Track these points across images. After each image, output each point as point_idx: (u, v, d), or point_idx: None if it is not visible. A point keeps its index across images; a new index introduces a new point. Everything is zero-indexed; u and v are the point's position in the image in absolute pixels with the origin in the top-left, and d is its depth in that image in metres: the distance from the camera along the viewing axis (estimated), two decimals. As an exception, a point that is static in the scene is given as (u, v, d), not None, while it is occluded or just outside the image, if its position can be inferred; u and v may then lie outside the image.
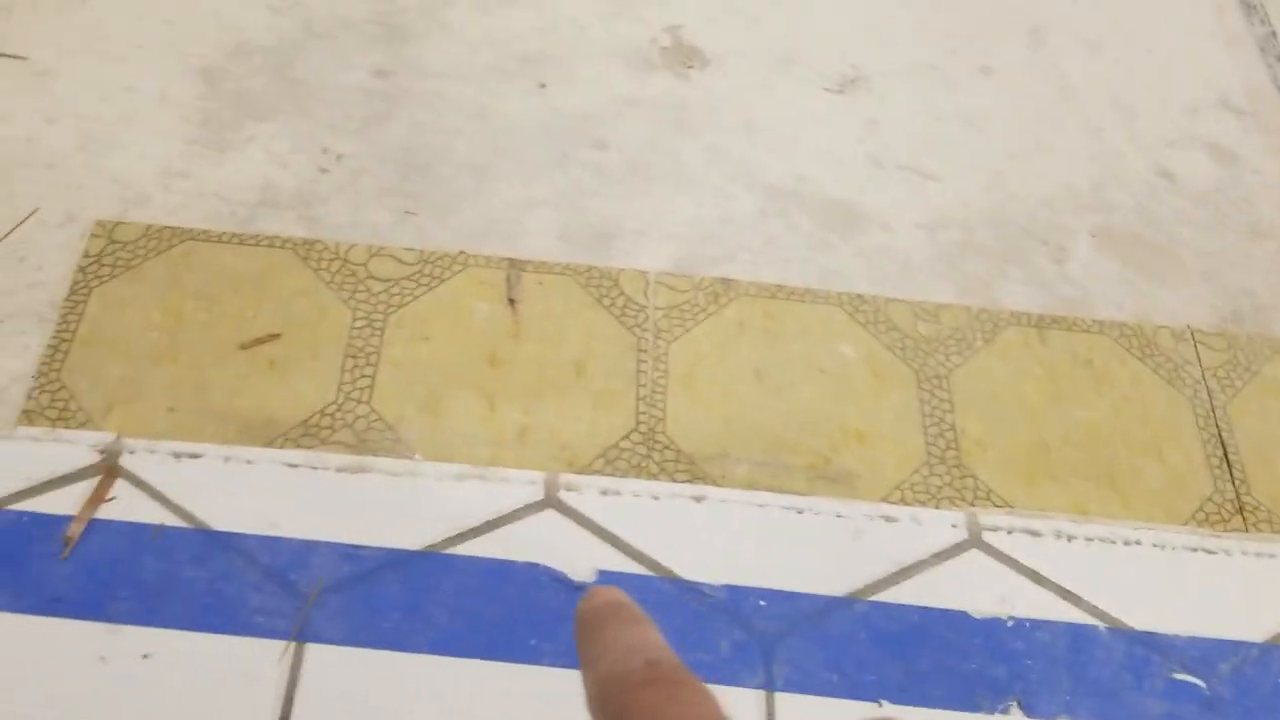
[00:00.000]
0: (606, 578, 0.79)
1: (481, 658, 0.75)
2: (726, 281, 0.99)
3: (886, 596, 0.81)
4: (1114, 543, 0.86)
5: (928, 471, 0.91)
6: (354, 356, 0.91)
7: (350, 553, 0.79)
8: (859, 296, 1.00)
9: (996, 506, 0.89)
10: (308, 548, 0.78)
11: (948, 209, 1.09)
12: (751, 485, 0.87)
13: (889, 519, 0.85)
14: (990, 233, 1.08)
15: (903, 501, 0.88)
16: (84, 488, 0.80)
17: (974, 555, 0.84)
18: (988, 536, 0.85)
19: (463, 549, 0.80)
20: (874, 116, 1.16)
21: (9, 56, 1.09)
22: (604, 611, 0.32)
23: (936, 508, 0.88)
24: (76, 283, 0.93)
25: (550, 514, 0.82)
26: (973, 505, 0.89)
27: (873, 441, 0.92)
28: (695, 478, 0.88)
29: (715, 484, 0.87)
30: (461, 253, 0.99)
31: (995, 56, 1.23)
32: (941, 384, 0.96)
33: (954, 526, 0.85)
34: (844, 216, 1.07)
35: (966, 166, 1.13)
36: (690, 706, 0.28)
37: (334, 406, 0.89)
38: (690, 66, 1.18)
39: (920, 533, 0.84)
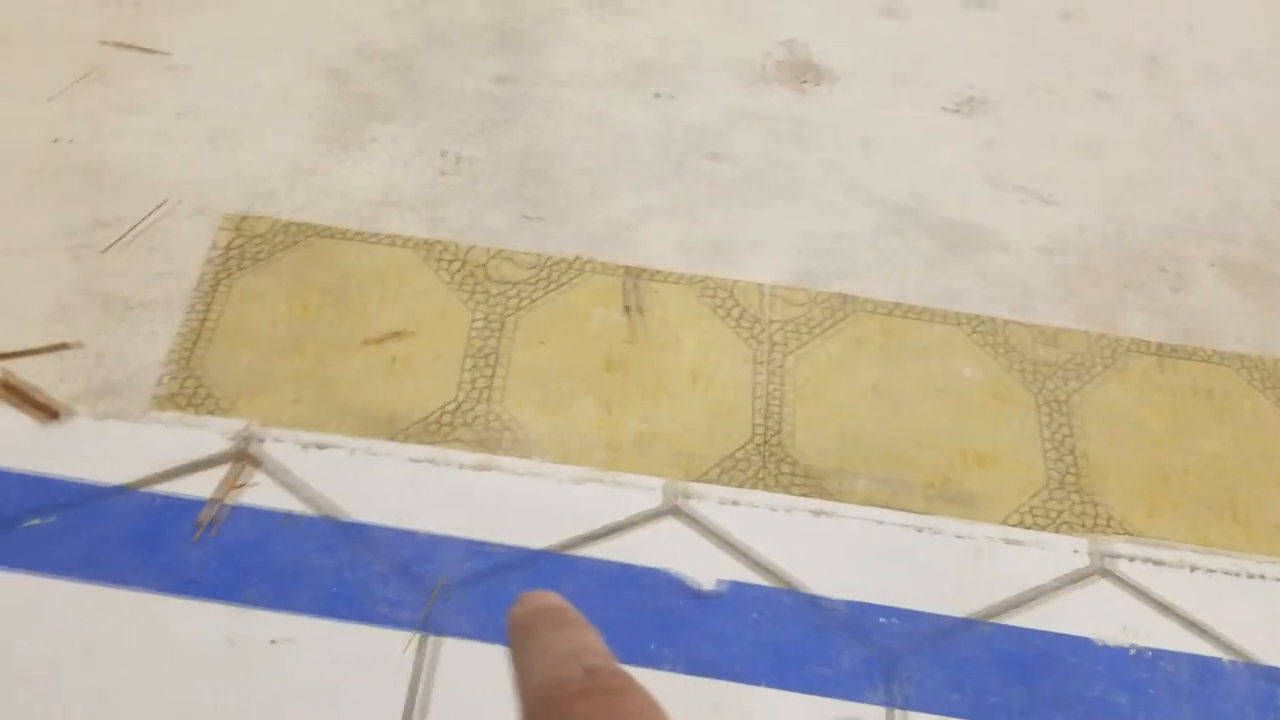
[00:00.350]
0: (727, 587, 0.79)
1: (603, 660, 0.75)
2: (844, 297, 0.99)
3: (1009, 620, 0.80)
4: (1238, 575, 0.85)
5: (1048, 496, 0.90)
6: (474, 357, 0.92)
7: (475, 549, 0.79)
8: (978, 317, 0.99)
9: (1118, 534, 0.88)
10: (433, 542, 0.79)
11: (1065, 233, 1.08)
12: (870, 502, 0.87)
13: (1011, 542, 0.84)
14: (1108, 258, 1.07)
15: (1023, 525, 0.87)
16: (217, 474, 0.81)
17: (1098, 582, 0.83)
18: (1111, 564, 0.84)
19: (585, 551, 0.80)
20: (991, 137, 1.15)
21: (142, 51, 1.12)
22: (537, 616, 0.30)
23: (1058, 533, 0.87)
24: (205, 274, 0.95)
25: (671, 521, 0.82)
26: (1094, 532, 0.88)
27: (992, 463, 0.91)
28: (813, 492, 0.87)
29: (833, 499, 0.87)
30: (579, 258, 1.00)
31: (1112, 82, 1.21)
32: (1061, 408, 0.94)
33: (1076, 552, 0.84)
34: (962, 236, 1.06)
35: (1083, 191, 1.12)
36: (633, 717, 0.26)
37: (454, 405, 0.90)
38: (805, 81, 1.18)
39: (1043, 557, 0.83)
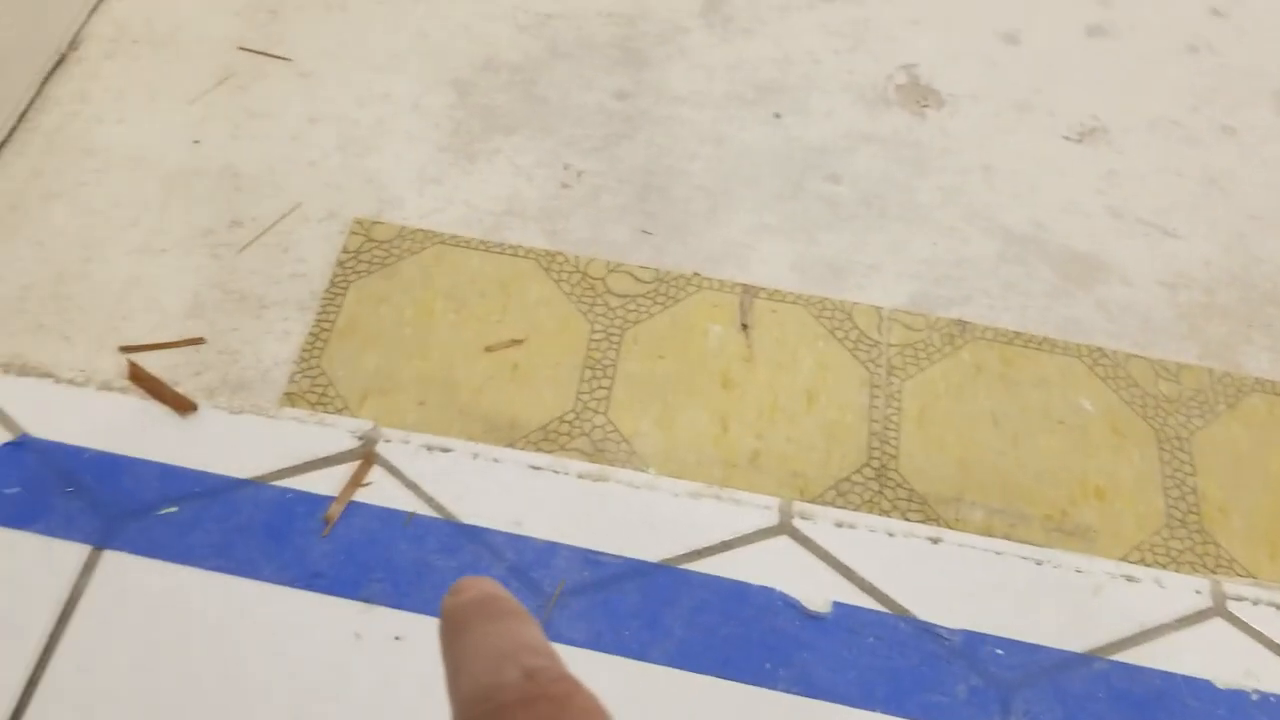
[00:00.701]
0: (840, 610, 0.79)
1: (717, 675, 0.76)
2: (962, 324, 0.98)
3: (1127, 657, 0.79)
4: (1366, 627, 0.82)
5: (1168, 534, 0.88)
6: (592, 368, 0.93)
7: (592, 558, 0.80)
8: (1099, 350, 0.98)
9: (1240, 576, 0.86)
10: (550, 549, 0.80)
11: (1189, 267, 1.06)
12: (987, 531, 0.86)
13: (1130, 579, 0.83)
14: (1233, 295, 1.05)
15: (1142, 562, 0.86)
16: (343, 471, 0.83)
17: (1218, 624, 0.81)
18: (1232, 606, 0.82)
19: (699, 566, 0.80)
20: (1114, 168, 1.13)
21: (276, 57, 1.15)
22: (470, 608, 0.25)
23: (1177, 571, 0.85)
24: (335, 276, 0.97)
25: (785, 540, 0.82)
26: (1215, 573, 0.86)
27: (1111, 498, 0.90)
28: (928, 518, 0.87)
29: (949, 527, 0.86)
30: (696, 274, 1.01)
31: (1238, 117, 1.19)
32: (1183, 446, 0.93)
33: (1198, 593, 0.83)
34: (1084, 267, 1.05)
35: (1207, 225, 1.10)
36: None
37: (572, 414, 0.91)
38: (926, 106, 1.17)
39: (1162, 596, 0.82)
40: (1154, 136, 1.17)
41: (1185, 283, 1.06)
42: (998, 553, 0.83)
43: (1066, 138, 1.16)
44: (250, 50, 1.16)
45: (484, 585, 0.26)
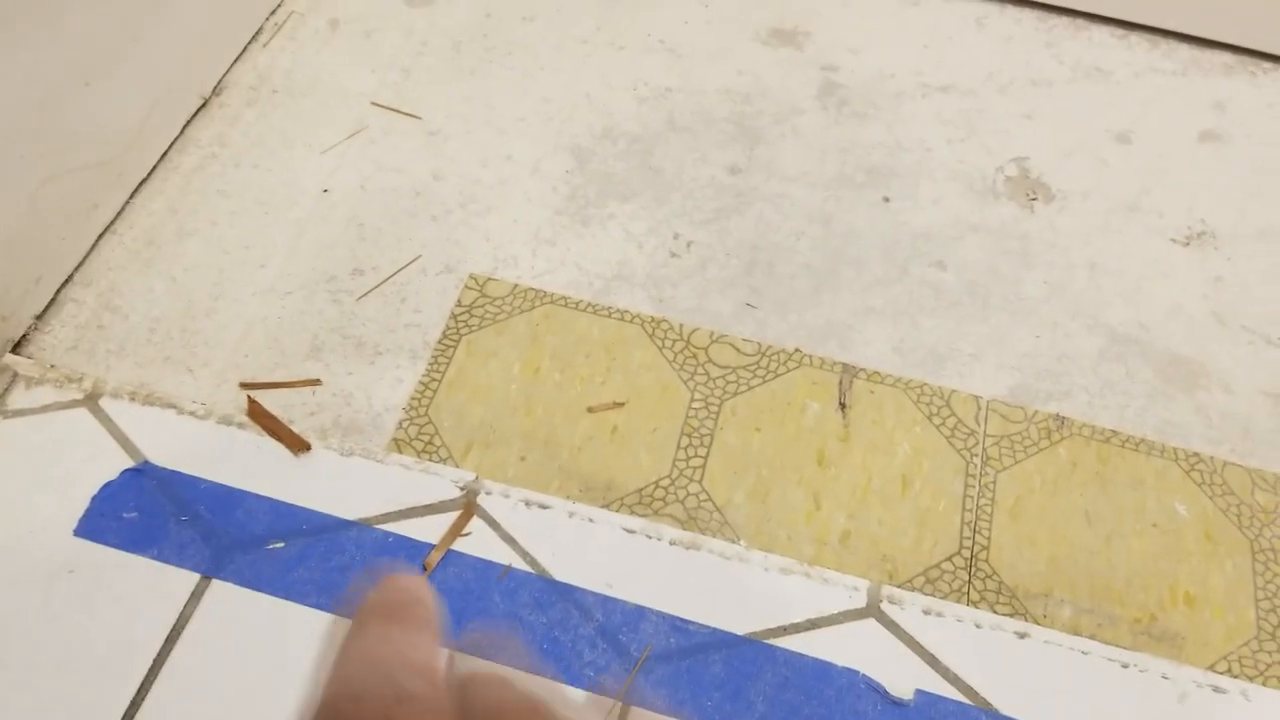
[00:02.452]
0: (923, 698, 0.79)
1: (797, 752, 0.77)
2: (1061, 419, 0.99)
3: (1213, 772, 0.78)
4: None
5: (1257, 646, 0.87)
6: (690, 435, 0.95)
7: (679, 625, 0.82)
8: (1196, 455, 0.98)
9: (1333, 699, 0.85)
10: (639, 613, 0.82)
11: (1294, 379, 1.06)
12: (1075, 630, 0.86)
13: (1217, 689, 0.82)
14: (1339, 410, 1.04)
15: (1229, 673, 0.85)
16: (445, 519, 0.86)
17: (1309, 746, 0.80)
18: (1324, 730, 0.81)
19: (785, 642, 0.81)
20: (1220, 274, 1.13)
21: (406, 114, 1.20)
22: (379, 608, 0.23)
23: (1265, 685, 0.84)
24: (448, 328, 1.01)
25: (871, 624, 0.83)
26: (1307, 693, 0.85)
27: (1202, 605, 0.89)
28: (1016, 612, 0.87)
29: (1037, 622, 0.86)
30: (797, 350, 1.03)
31: (1355, 229, 1.18)
32: (1277, 558, 0.92)
33: (1288, 712, 0.81)
34: (1185, 371, 1.05)
35: (1317, 338, 1.09)
36: None
37: (668, 480, 0.93)
38: (1034, 199, 1.18)
39: (1249, 709, 0.81)
40: (1262, 245, 1.17)
41: (1290, 394, 1.05)
42: (1084, 652, 0.83)
43: (1174, 240, 1.16)
44: (382, 106, 1.21)
45: (408, 588, 0.24)
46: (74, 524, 0.83)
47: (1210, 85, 1.32)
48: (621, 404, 0.96)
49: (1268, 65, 1.34)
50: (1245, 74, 1.33)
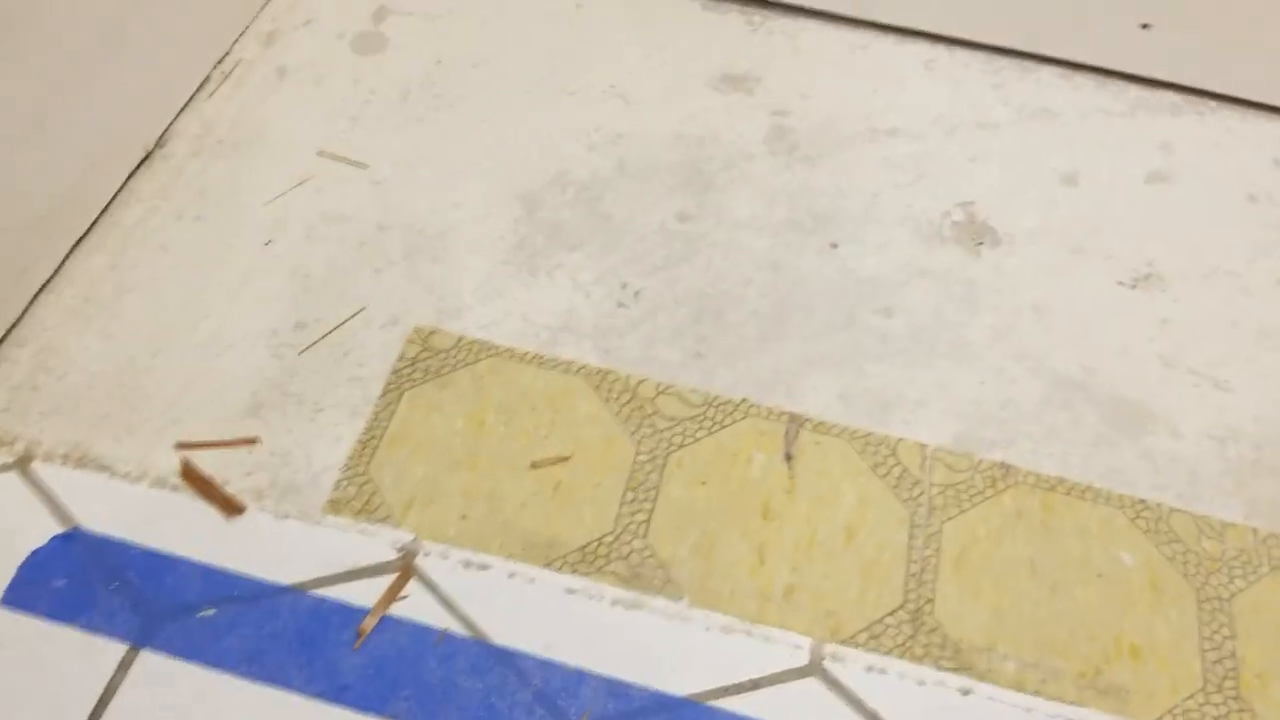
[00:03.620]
0: (865, 757, 0.79)
1: (736, 818, 0.76)
2: (1005, 467, 0.98)
3: (1157, 830, 0.77)
4: None
5: (1203, 699, 0.87)
6: (634, 490, 0.95)
7: (618, 689, 0.81)
8: (1142, 502, 0.98)
9: (1279, 751, 0.84)
10: (579, 676, 0.81)
11: (1239, 423, 1.06)
12: (1019, 686, 0.86)
13: (1163, 746, 0.81)
14: (1284, 453, 1.04)
15: (1176, 728, 0.85)
16: (380, 583, 0.85)
17: (1253, 801, 0.79)
18: (1269, 783, 0.81)
19: (726, 703, 0.81)
20: (1167, 316, 1.14)
21: (353, 164, 1.20)
22: None
23: (1212, 741, 0.84)
24: (390, 383, 1.00)
25: (813, 682, 0.82)
26: (1252, 745, 0.85)
27: (1147, 657, 0.89)
28: (960, 667, 0.87)
29: (980, 678, 0.86)
30: (745, 400, 1.02)
31: (1300, 269, 1.19)
32: (1223, 607, 0.92)
33: (1233, 766, 0.81)
34: (1131, 415, 1.05)
35: (1261, 381, 1.09)
36: None
37: (611, 537, 0.92)
38: (981, 243, 1.19)
39: (1196, 767, 0.81)
40: (1210, 286, 1.17)
41: (1235, 437, 1.05)
42: (1027, 709, 0.83)
43: (1121, 283, 1.17)
44: (329, 155, 1.20)
45: None
46: (1, 593, 0.82)
47: (1157, 125, 1.32)
48: (566, 458, 0.95)
49: (1213, 104, 1.35)
50: (1192, 114, 1.34)
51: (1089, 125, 1.32)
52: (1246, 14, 1.26)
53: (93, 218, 1.10)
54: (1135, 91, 1.36)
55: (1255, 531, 0.97)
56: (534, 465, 0.95)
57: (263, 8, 1.34)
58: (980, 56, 1.38)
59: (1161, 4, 1.28)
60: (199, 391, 0.99)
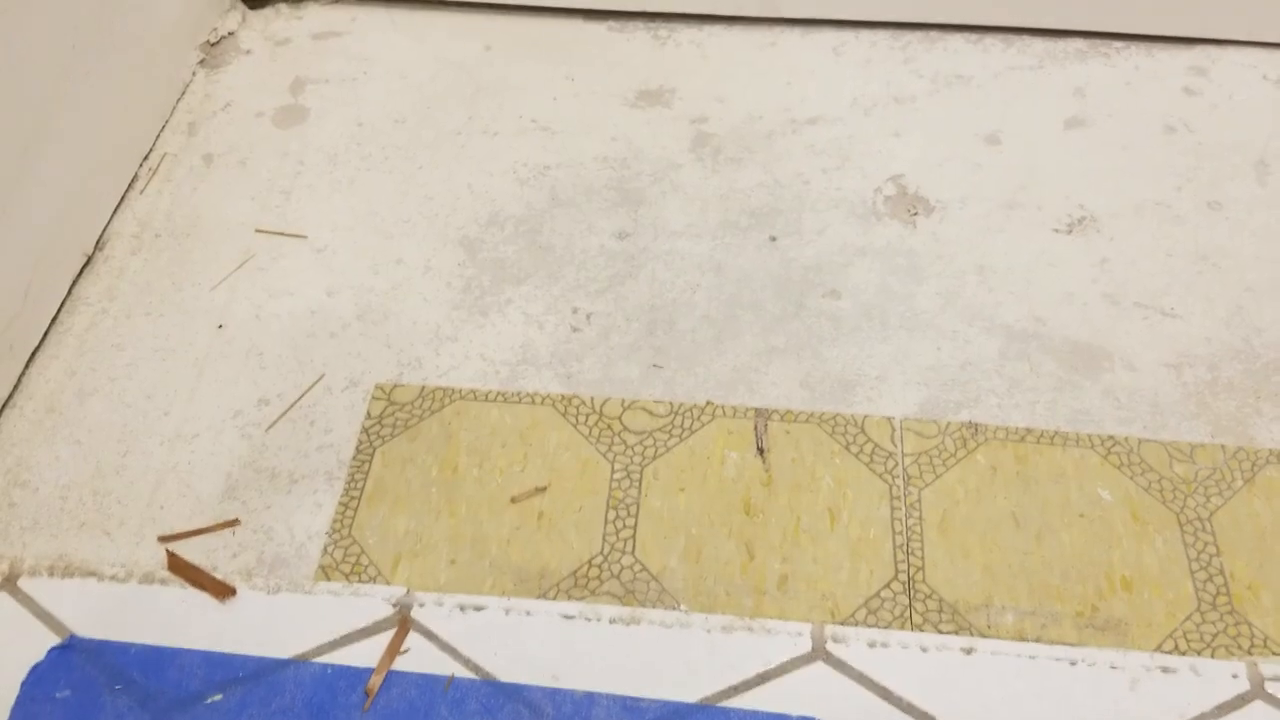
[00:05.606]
0: (881, 730, 0.80)
1: (764, 810, 0.76)
2: (974, 426, 1.00)
3: (1172, 752, 0.79)
4: None
5: (1200, 619, 0.89)
6: (615, 508, 0.96)
7: (630, 704, 0.82)
8: (1111, 438, 1.00)
9: (1275, 654, 0.86)
10: (589, 699, 0.82)
11: (1191, 346, 1.08)
12: (1020, 635, 0.87)
13: (1166, 670, 0.83)
14: (1237, 369, 1.06)
15: (1177, 651, 0.86)
16: (380, 640, 0.85)
17: (1259, 707, 0.81)
18: (1271, 687, 0.82)
19: (737, 702, 0.82)
20: (1105, 255, 1.16)
21: (292, 236, 1.21)
22: None
23: (1213, 657, 0.86)
24: (361, 443, 1.01)
25: (820, 666, 0.83)
26: (1251, 654, 0.87)
27: (1140, 588, 0.90)
28: (960, 628, 0.88)
29: (982, 634, 0.87)
30: (709, 403, 1.04)
31: (1223, 191, 1.22)
32: (1204, 526, 0.94)
33: (1235, 677, 0.83)
34: (1087, 357, 1.07)
35: (1205, 302, 1.12)
36: None
37: (601, 557, 0.93)
38: (915, 214, 1.21)
39: (1200, 684, 0.82)
40: (1142, 220, 1.20)
41: (1189, 361, 1.07)
42: (1031, 657, 0.84)
43: (1056, 230, 1.19)
44: (267, 232, 1.21)
45: None
46: (6, 714, 0.82)
47: (1068, 73, 1.35)
48: (544, 489, 0.97)
49: (1119, 44, 1.38)
50: (1099, 56, 1.37)
51: (1002, 84, 1.35)
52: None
53: (44, 329, 1.11)
54: (1041, 44, 1.39)
55: (1224, 448, 0.99)
56: (514, 500, 0.96)
57: (178, 101, 1.35)
58: (886, 34, 1.41)
59: (1050, -44, 1.31)
60: (172, 484, 1.00)
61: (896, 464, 0.97)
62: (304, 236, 1.21)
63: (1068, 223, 1.19)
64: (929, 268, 1.16)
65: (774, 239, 1.19)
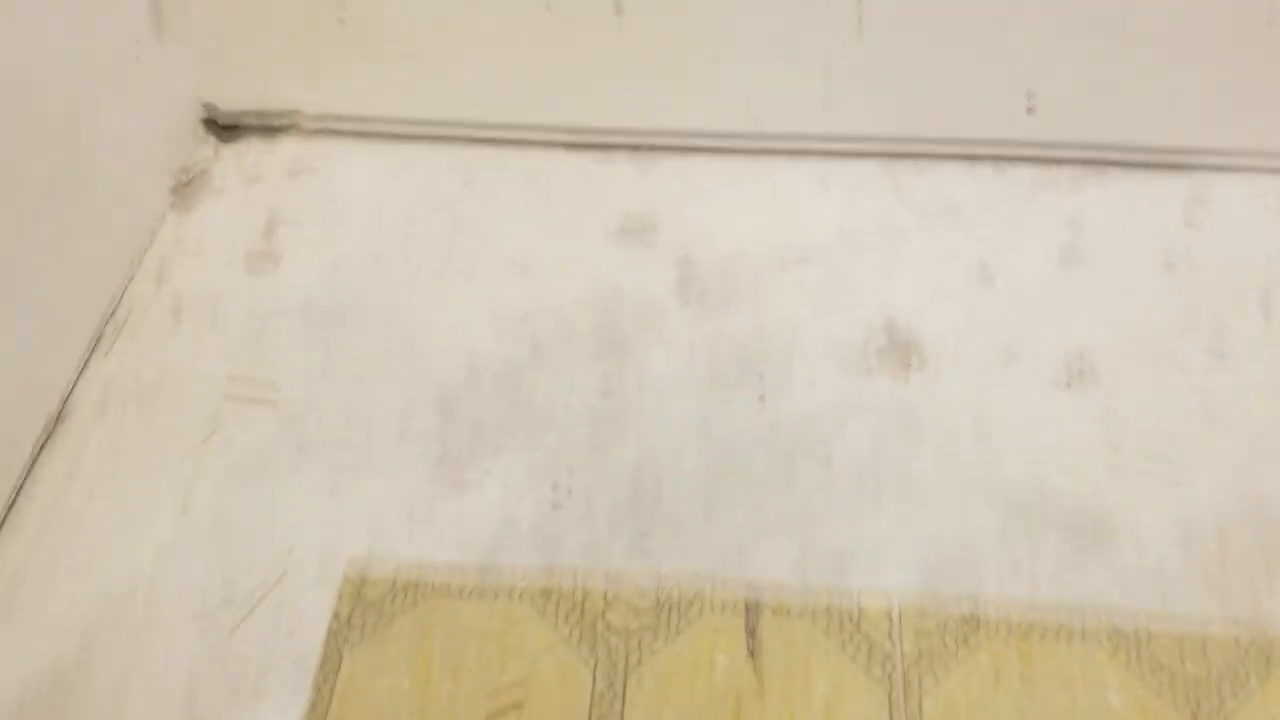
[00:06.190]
0: None
1: None
2: (975, 620, 0.96)
3: None
4: None
5: (1217, 842, 0.84)
6: None
7: None
8: (1118, 631, 0.96)
9: None
10: None
11: (1198, 514, 1.04)
12: None
13: None
14: (1246, 539, 1.02)
15: None
16: None
17: None
18: None
19: None
20: (1107, 410, 1.12)
21: (261, 400, 1.16)
22: None
23: None
24: (328, 648, 0.96)
25: None
26: None
27: (1152, 809, 0.86)
28: None
29: None
30: (698, 595, 0.99)
31: (1226, 337, 1.18)
32: (1219, 731, 0.89)
33: None
34: (1090, 528, 1.03)
35: (1211, 464, 1.07)
36: None
37: (583, 778, 0.88)
38: (909, 365, 1.17)
39: None
40: (1143, 371, 1.15)
41: (1197, 532, 1.03)
42: None
43: (1055, 382, 1.15)
44: (235, 394, 1.17)
45: None
46: None
47: (1062, 203, 1.32)
48: (520, 705, 0.92)
49: (1114, 171, 1.34)
50: (1093, 185, 1.33)
51: (994, 215, 1.31)
52: (1127, 78, 1.25)
53: (5, 508, 1.06)
54: (1033, 171, 1.35)
55: (1237, 642, 0.95)
56: (489, 718, 0.91)
57: (148, 246, 1.31)
58: (874, 164, 1.37)
59: (1041, 85, 1.27)
60: (134, 687, 0.95)
61: (895, 666, 0.93)
62: (274, 399, 1.16)
63: (1066, 375, 1.15)
64: (924, 427, 1.11)
65: (763, 397, 1.15)
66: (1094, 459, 1.08)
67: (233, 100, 1.39)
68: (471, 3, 1.26)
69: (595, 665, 0.94)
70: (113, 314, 1.25)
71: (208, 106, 1.40)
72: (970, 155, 1.35)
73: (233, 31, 1.31)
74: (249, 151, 1.42)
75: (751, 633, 0.96)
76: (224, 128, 1.42)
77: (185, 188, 1.37)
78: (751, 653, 0.95)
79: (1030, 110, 1.29)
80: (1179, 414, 1.12)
